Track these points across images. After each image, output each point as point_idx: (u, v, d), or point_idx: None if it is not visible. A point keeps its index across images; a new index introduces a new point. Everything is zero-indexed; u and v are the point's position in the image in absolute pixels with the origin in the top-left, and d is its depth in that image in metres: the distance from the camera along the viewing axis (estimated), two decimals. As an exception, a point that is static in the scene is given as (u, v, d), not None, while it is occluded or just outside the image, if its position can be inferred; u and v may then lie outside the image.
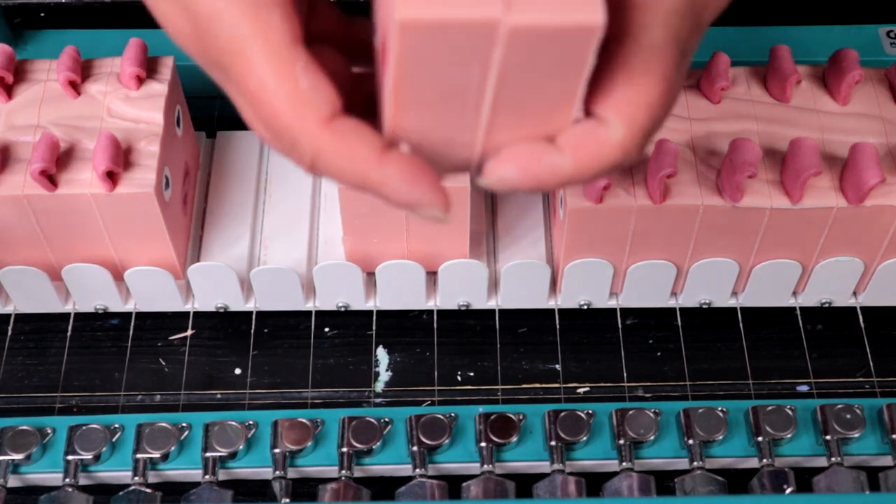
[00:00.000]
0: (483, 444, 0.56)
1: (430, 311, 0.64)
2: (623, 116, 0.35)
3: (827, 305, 0.63)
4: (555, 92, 0.35)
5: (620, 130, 0.35)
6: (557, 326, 0.64)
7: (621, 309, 0.64)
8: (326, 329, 0.64)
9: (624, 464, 0.56)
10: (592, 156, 0.36)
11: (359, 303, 0.63)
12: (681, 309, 0.64)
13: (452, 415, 0.57)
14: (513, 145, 0.37)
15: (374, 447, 0.56)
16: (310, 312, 0.64)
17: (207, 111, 0.69)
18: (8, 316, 0.63)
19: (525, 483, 0.57)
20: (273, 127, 0.35)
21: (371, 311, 0.64)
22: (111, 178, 0.55)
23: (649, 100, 0.35)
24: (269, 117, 0.35)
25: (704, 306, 0.64)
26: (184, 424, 0.57)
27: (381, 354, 0.64)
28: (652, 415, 0.57)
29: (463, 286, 0.62)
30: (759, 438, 0.57)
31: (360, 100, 0.39)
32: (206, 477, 0.56)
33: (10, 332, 0.63)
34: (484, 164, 0.37)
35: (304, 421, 0.57)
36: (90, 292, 0.61)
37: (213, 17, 0.35)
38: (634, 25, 0.35)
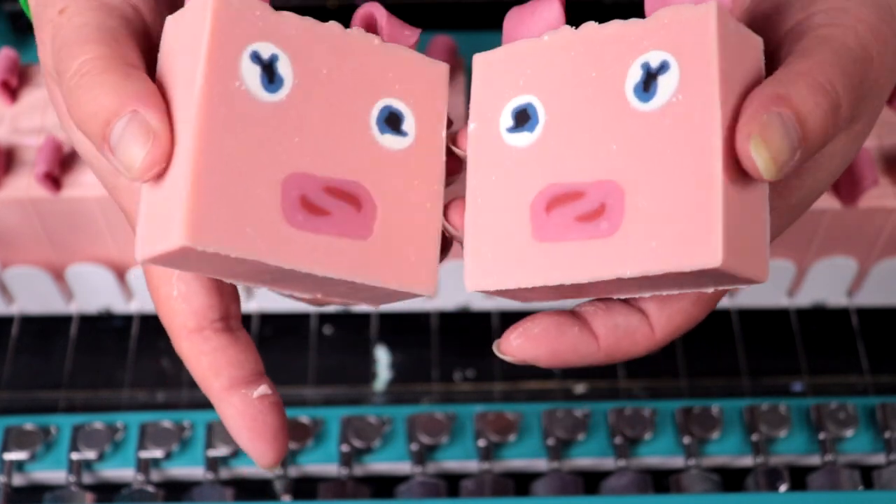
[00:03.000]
0: (481, 443, 0.57)
1: (431, 312, 0.65)
2: (664, 318, 0.37)
3: (821, 306, 0.64)
4: None
5: (659, 333, 0.37)
6: (555, 326, 0.64)
7: (618, 309, 0.65)
8: (326, 329, 0.65)
9: (620, 462, 0.57)
10: (624, 351, 0.37)
11: (359, 303, 0.64)
12: (677, 309, 0.64)
13: (451, 414, 0.58)
14: (539, 321, 0.37)
15: (373, 446, 0.57)
16: (311, 312, 0.64)
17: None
18: (13, 316, 0.64)
19: (523, 481, 0.57)
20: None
21: (371, 311, 0.65)
22: (114, 180, 0.55)
23: (693, 314, 0.37)
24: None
25: (700, 306, 0.64)
26: (186, 423, 0.58)
27: (381, 354, 0.64)
28: (648, 414, 0.58)
29: (462, 287, 0.62)
30: (754, 437, 0.57)
31: None
32: (209, 475, 0.57)
33: (15, 333, 0.64)
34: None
35: (304, 420, 0.58)
36: (94, 293, 0.62)
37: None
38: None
